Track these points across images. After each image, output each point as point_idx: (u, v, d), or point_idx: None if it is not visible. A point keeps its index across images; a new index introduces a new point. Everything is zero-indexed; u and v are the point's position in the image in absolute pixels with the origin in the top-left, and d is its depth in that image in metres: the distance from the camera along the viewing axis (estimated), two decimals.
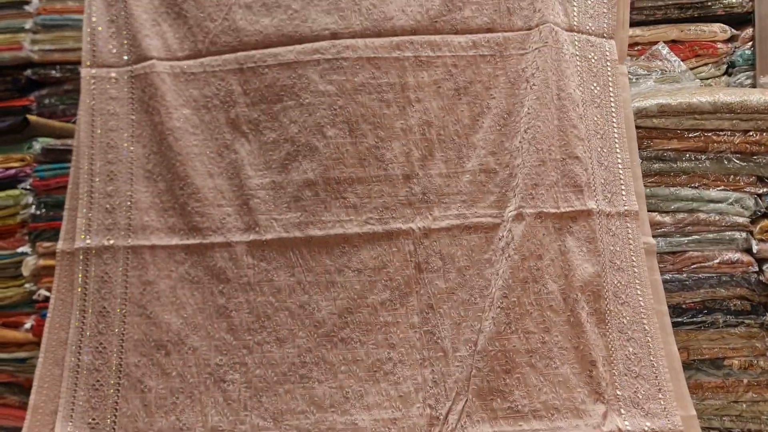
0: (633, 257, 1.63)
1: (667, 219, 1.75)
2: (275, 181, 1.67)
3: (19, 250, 1.86)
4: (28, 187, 1.87)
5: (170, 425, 1.56)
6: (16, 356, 1.82)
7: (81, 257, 1.65)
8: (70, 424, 1.54)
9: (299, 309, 1.63)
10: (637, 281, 1.61)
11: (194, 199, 1.66)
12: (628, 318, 1.59)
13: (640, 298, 1.60)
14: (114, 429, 1.55)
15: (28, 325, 1.82)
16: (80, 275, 1.64)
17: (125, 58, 1.74)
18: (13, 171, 1.87)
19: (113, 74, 1.74)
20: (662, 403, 1.52)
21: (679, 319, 1.73)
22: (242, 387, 1.59)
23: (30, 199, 1.87)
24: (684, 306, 1.75)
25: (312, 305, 1.63)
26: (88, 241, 1.65)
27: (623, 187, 1.66)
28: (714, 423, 1.75)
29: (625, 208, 1.65)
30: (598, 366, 1.54)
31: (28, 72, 2.02)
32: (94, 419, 1.56)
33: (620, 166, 1.67)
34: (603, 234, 1.63)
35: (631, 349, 1.57)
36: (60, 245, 1.67)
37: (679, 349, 1.61)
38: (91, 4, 1.76)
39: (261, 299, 1.63)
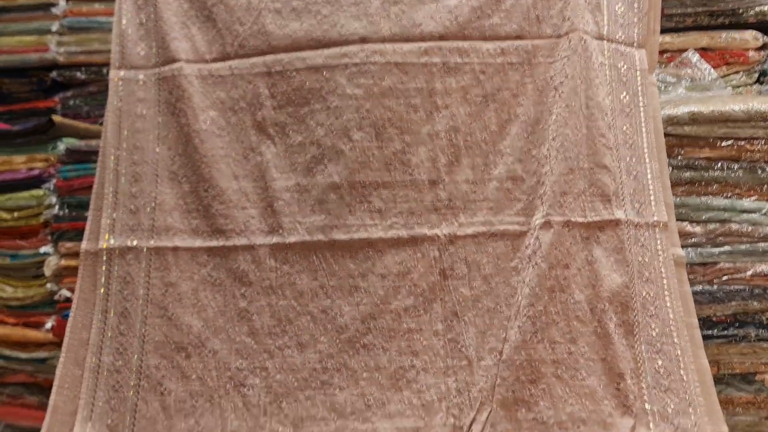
0: (662, 269, 1.59)
1: (698, 229, 1.71)
2: (300, 184, 1.66)
3: (42, 250, 1.85)
4: (52, 187, 1.87)
5: (189, 429, 1.55)
6: (36, 356, 1.82)
7: (104, 258, 1.64)
8: (89, 425, 1.53)
9: (321, 314, 1.61)
10: (666, 293, 1.58)
11: (218, 201, 1.66)
12: (657, 330, 1.56)
13: (670, 311, 1.57)
14: (132, 431, 1.53)
15: (48, 326, 1.82)
16: (103, 276, 1.64)
17: (153, 60, 1.75)
18: (37, 171, 1.87)
19: (141, 76, 1.74)
20: (692, 418, 1.48)
21: (710, 332, 1.69)
22: (262, 392, 1.58)
23: (53, 199, 1.87)
24: (714, 319, 1.71)
25: (334, 310, 1.61)
26: (112, 242, 1.65)
27: (652, 198, 1.63)
28: None
29: (654, 218, 1.62)
30: (626, 378, 1.51)
31: (54, 74, 2.02)
32: (113, 421, 1.55)
33: (649, 176, 1.64)
34: (631, 244, 1.60)
35: (660, 362, 1.54)
36: (84, 245, 1.67)
37: (709, 363, 1.56)
38: (121, 7, 1.77)
39: (283, 303, 1.62)
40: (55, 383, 1.58)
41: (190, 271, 1.65)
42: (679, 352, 1.54)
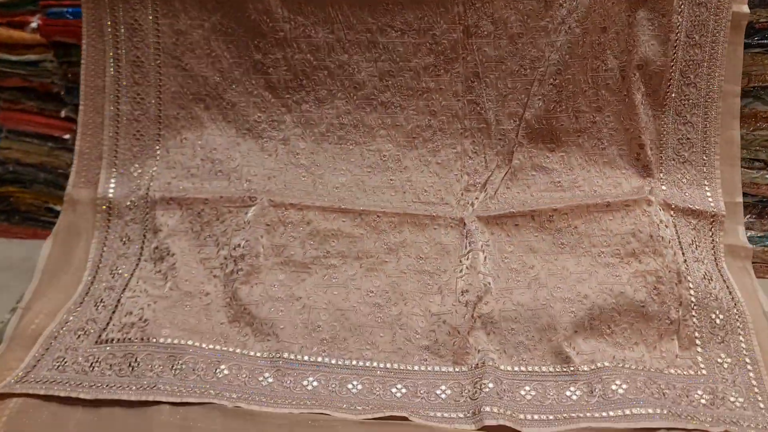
0: (716, 31, 1.48)
1: None
2: None
3: None
4: None
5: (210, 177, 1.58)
6: (27, 59, 1.73)
7: (107, 1, 1.53)
8: (114, 170, 1.57)
9: (338, 69, 1.55)
10: (711, 59, 1.49)
11: None
12: (690, 100, 1.51)
13: (711, 78, 1.50)
14: (153, 176, 1.57)
15: (34, 25, 1.69)
16: (109, 21, 1.54)
17: None
18: None
19: None
20: (706, 189, 1.51)
21: (748, 41, 1.53)
22: (279, 144, 1.59)
23: None
24: (757, 25, 1.55)
25: (352, 65, 1.55)
26: None
27: None
28: (760, 155, 1.65)
29: None
30: (646, 149, 1.51)
31: None
32: (135, 168, 1.58)
33: None
34: (685, 5, 1.47)
35: (684, 133, 1.52)
36: None
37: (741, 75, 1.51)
38: None
39: (299, 56, 1.54)
40: (79, 129, 1.58)
41: (199, 18, 1.54)
42: (708, 123, 1.51)
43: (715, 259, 1.47)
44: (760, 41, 1.55)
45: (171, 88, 1.57)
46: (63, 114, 1.73)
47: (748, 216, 1.70)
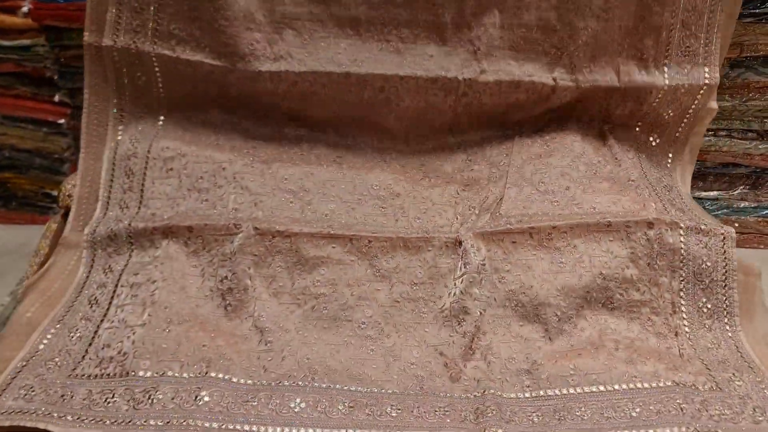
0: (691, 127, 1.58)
1: None
2: (312, 13, 1.50)
3: None
4: None
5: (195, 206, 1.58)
6: (19, 44, 1.72)
7: (112, 55, 1.54)
8: (106, 207, 1.56)
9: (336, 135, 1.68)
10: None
11: (222, 16, 1.48)
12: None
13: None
14: (139, 208, 1.56)
15: (25, 9, 1.69)
16: (112, 74, 1.57)
17: None
18: None
19: None
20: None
21: (741, 11, 1.51)
22: (267, 172, 1.61)
23: None
24: None
25: (348, 140, 1.67)
26: (116, 39, 1.53)
27: (706, 60, 1.52)
28: (753, 125, 1.68)
29: (706, 81, 1.51)
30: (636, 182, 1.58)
31: None
32: (124, 201, 1.57)
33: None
34: (663, 105, 1.56)
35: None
36: (86, 37, 1.53)
37: (733, 45, 1.55)
38: None
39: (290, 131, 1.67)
40: (79, 177, 1.59)
41: (196, 79, 1.58)
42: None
43: (726, 281, 1.40)
44: (752, 11, 1.54)
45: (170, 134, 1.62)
46: (57, 98, 1.74)
47: (741, 187, 1.71)
